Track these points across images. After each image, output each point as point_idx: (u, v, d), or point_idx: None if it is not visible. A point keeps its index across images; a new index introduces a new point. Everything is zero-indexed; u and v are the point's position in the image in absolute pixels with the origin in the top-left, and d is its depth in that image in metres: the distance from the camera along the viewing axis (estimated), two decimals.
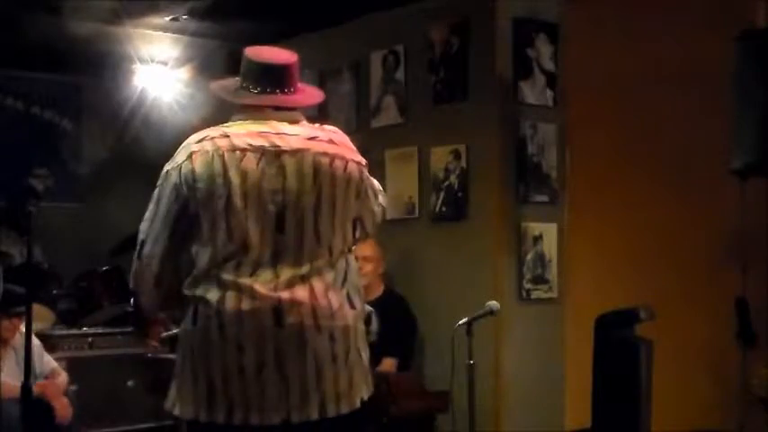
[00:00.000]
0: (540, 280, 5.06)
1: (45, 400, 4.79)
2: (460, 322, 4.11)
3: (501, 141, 5.01)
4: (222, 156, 2.65)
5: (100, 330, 6.11)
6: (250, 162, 2.63)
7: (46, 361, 5.09)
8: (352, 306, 2.70)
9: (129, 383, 5.87)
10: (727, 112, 3.82)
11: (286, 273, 2.62)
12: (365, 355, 2.74)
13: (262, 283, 2.61)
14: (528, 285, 5.02)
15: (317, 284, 2.64)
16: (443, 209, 5.20)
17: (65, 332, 5.96)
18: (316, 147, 2.67)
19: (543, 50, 5.13)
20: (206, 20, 5.84)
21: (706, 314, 4.52)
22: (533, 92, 5.09)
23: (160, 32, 6.18)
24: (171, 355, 4.91)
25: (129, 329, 6.19)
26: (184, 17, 5.79)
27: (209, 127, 2.81)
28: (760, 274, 4.14)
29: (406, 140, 5.42)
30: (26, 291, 4.07)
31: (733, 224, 4.26)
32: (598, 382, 4.00)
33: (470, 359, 4.06)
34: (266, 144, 2.65)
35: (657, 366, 3.97)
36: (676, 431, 4.44)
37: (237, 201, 2.61)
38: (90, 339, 5.96)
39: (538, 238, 5.06)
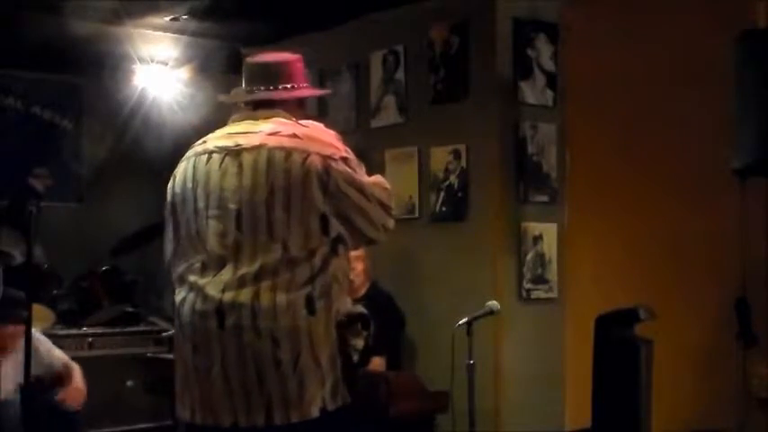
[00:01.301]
0: (540, 280, 5.06)
1: (64, 408, 4.70)
2: (460, 322, 4.11)
3: (501, 141, 5.01)
4: (194, 161, 2.75)
5: (100, 330, 6.11)
6: (214, 164, 2.69)
7: (57, 356, 4.95)
8: (311, 310, 2.58)
9: (129, 383, 5.87)
10: (727, 112, 3.82)
11: (241, 271, 2.60)
12: (327, 361, 2.60)
13: (215, 284, 2.62)
14: (528, 285, 5.02)
15: (265, 284, 2.58)
16: (443, 209, 5.20)
17: (65, 332, 5.96)
18: (272, 141, 2.64)
19: (543, 50, 5.13)
20: (206, 20, 5.83)
21: (706, 314, 4.52)
22: (533, 92, 5.09)
23: (160, 32, 6.17)
24: (171, 356, 4.92)
25: (129, 329, 6.20)
26: (184, 17, 5.79)
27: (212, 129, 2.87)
28: (760, 274, 4.14)
29: (406, 140, 5.42)
30: (26, 291, 4.07)
31: (733, 224, 4.26)
32: (598, 382, 3.99)
33: (470, 359, 4.06)
34: (230, 144, 2.70)
35: (657, 366, 3.96)
36: (676, 431, 4.44)
37: (200, 203, 2.67)
38: (90, 339, 5.96)
39: (538, 238, 5.06)
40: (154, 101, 7.02)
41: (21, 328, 4.46)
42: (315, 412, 2.58)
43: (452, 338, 4.07)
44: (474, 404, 4.11)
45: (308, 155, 2.60)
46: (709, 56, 4.41)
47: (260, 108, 2.82)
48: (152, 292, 6.82)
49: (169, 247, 2.79)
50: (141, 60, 6.67)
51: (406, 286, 5.20)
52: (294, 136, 2.65)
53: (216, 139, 2.76)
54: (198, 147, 2.80)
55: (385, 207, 2.73)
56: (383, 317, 4.88)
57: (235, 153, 2.68)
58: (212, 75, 6.85)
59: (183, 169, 2.78)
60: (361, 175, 2.68)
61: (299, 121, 2.74)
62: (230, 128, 2.79)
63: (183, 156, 2.92)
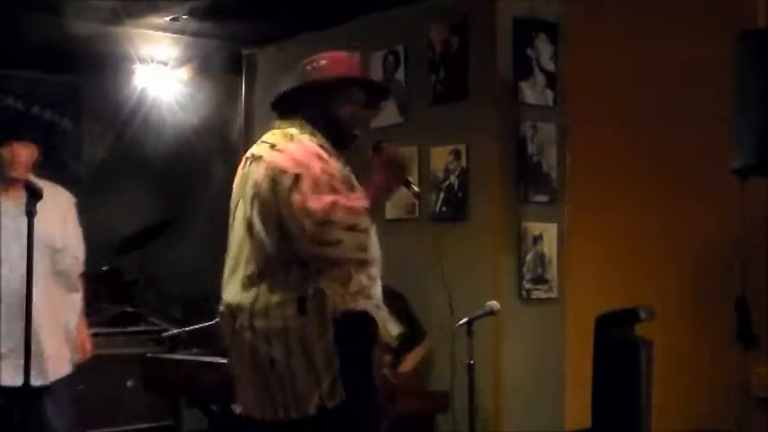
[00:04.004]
0: (540, 280, 5.06)
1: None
2: (460, 322, 4.12)
3: (501, 141, 5.02)
4: (241, 165, 2.93)
5: (100, 330, 6.10)
6: (242, 169, 2.88)
7: (72, 235, 4.45)
8: (302, 310, 2.68)
9: (129, 383, 5.87)
10: (727, 112, 3.82)
11: (247, 273, 2.78)
12: (323, 360, 2.68)
13: (229, 286, 2.83)
14: (528, 285, 5.02)
15: (264, 285, 2.73)
16: (443, 209, 5.20)
17: None
18: (261, 150, 2.82)
19: (543, 50, 5.13)
20: (206, 20, 5.84)
21: (706, 314, 4.51)
22: (533, 92, 5.09)
23: (160, 32, 6.18)
24: (171, 356, 4.92)
25: (129, 329, 6.20)
26: (184, 17, 5.80)
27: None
28: (760, 274, 4.14)
29: (406, 140, 5.41)
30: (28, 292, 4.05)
31: (733, 224, 4.26)
32: (598, 382, 3.99)
33: (470, 359, 4.07)
34: (254, 151, 2.87)
35: (657, 366, 3.96)
36: (676, 431, 4.44)
37: (232, 205, 2.91)
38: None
39: (538, 238, 5.06)
40: (154, 101, 7.03)
41: (29, 153, 4.25)
42: (312, 410, 2.68)
43: (452, 338, 4.07)
44: (474, 404, 4.11)
45: (267, 162, 2.75)
46: (709, 56, 4.41)
47: (281, 116, 2.99)
48: (155, 292, 6.83)
49: None
50: (141, 60, 6.68)
51: (406, 286, 5.19)
52: (272, 146, 2.81)
53: (255, 145, 2.91)
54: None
55: (308, 223, 2.66)
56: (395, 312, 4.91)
57: (246, 162, 2.86)
58: (212, 75, 6.86)
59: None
60: (302, 194, 2.66)
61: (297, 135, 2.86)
62: (267, 134, 2.93)
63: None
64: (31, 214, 3.28)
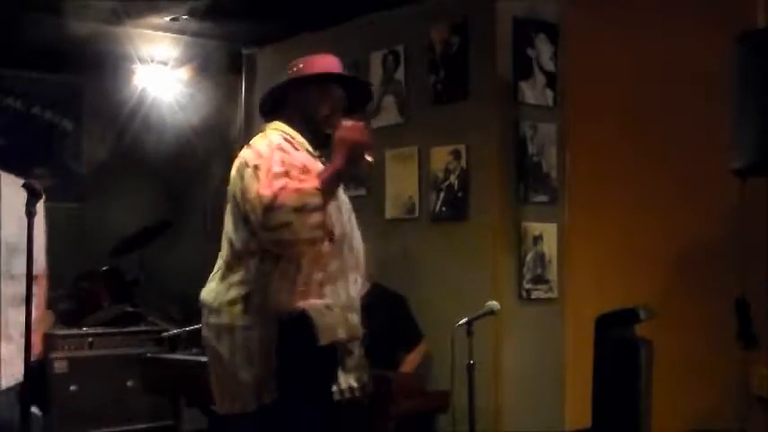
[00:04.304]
0: (540, 280, 5.06)
1: None
2: (460, 322, 4.11)
3: (501, 141, 5.01)
4: None
5: (100, 330, 6.11)
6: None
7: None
8: (246, 308, 2.79)
9: (129, 383, 5.87)
10: (727, 112, 3.82)
11: (214, 272, 2.94)
12: (261, 358, 2.77)
13: (206, 285, 2.97)
14: (528, 285, 5.02)
15: (216, 282, 2.89)
16: (443, 209, 5.20)
17: (65, 332, 5.96)
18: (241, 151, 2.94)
19: (543, 50, 5.13)
20: (206, 20, 5.84)
21: (706, 314, 4.51)
22: (533, 92, 5.09)
23: (160, 32, 6.18)
24: (171, 356, 4.92)
25: (129, 329, 6.20)
26: (184, 17, 5.80)
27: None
28: (760, 274, 4.14)
29: (406, 140, 5.42)
30: (28, 292, 4.02)
31: (733, 224, 4.26)
32: (598, 382, 3.99)
33: (470, 359, 4.06)
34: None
35: (657, 366, 3.96)
36: (676, 431, 4.44)
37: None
38: (90, 339, 5.96)
39: (538, 238, 5.06)
40: (154, 101, 7.03)
41: None
42: (251, 406, 2.80)
43: (452, 338, 4.07)
44: (474, 404, 4.11)
45: (239, 158, 2.88)
46: (709, 56, 4.41)
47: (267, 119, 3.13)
48: (155, 292, 6.82)
49: None
50: (141, 60, 6.67)
51: (406, 286, 5.19)
52: (248, 143, 2.94)
53: None
54: None
55: (258, 209, 2.73)
56: (391, 313, 4.91)
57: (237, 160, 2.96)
58: (212, 75, 6.85)
59: None
60: (259, 183, 2.75)
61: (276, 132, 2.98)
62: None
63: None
64: (31, 214, 3.26)
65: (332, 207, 2.86)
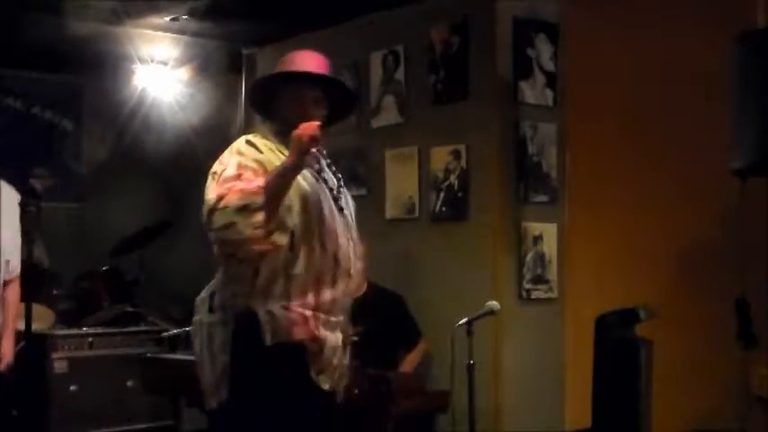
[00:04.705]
0: (540, 280, 5.06)
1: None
2: (460, 322, 4.11)
3: (501, 141, 5.01)
4: None
5: (100, 330, 6.11)
6: None
7: (7, 237, 3.92)
8: (210, 308, 2.91)
9: (129, 383, 5.87)
10: (727, 112, 3.82)
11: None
12: (221, 357, 2.85)
13: None
14: (528, 285, 5.02)
15: (206, 286, 3.00)
16: (443, 209, 5.20)
17: (65, 332, 5.96)
18: None
19: (543, 50, 5.13)
20: (206, 20, 5.83)
21: (706, 314, 4.51)
22: (533, 92, 5.09)
23: (160, 32, 6.18)
24: (171, 356, 4.92)
25: (129, 329, 6.20)
26: (184, 17, 5.79)
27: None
28: (760, 274, 4.14)
29: (406, 140, 5.42)
30: (27, 291, 4.03)
31: (733, 224, 4.26)
32: (598, 382, 3.99)
33: (470, 359, 4.06)
34: None
35: (657, 366, 3.96)
36: (676, 431, 4.44)
37: None
38: (90, 339, 5.95)
39: (538, 238, 5.06)
40: (154, 101, 7.03)
41: None
42: (213, 404, 2.88)
43: (452, 338, 4.07)
44: (474, 404, 4.11)
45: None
46: (709, 56, 4.41)
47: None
48: (155, 292, 6.82)
49: None
50: (141, 60, 6.67)
51: (406, 286, 5.19)
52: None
53: None
54: None
55: (204, 212, 2.79)
56: (390, 317, 4.91)
57: None
58: (212, 75, 6.85)
59: None
60: (217, 184, 2.83)
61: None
62: None
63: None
64: (31, 213, 3.27)
65: (297, 207, 2.84)
